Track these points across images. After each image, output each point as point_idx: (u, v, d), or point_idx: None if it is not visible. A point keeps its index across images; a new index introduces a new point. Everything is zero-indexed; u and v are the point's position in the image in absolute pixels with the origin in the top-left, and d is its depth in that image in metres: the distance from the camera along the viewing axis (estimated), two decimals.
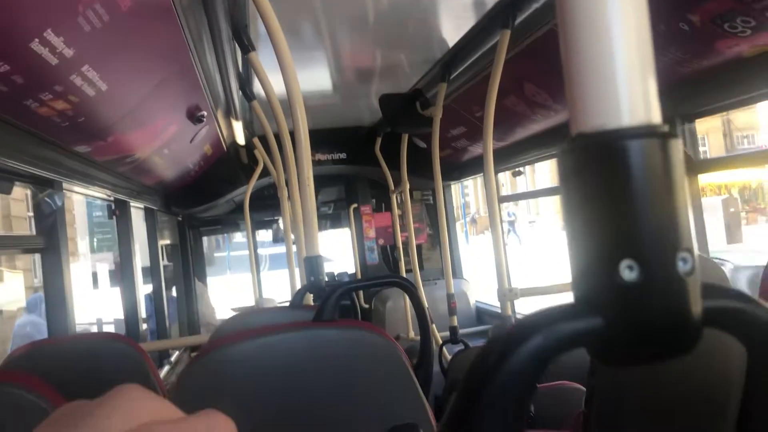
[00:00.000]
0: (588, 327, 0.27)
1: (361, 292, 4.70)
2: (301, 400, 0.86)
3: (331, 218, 6.38)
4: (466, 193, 24.51)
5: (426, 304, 1.16)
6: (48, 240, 2.15)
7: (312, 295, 1.58)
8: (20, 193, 9.56)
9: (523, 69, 2.71)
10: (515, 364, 0.25)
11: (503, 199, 4.94)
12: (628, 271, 0.26)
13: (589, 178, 0.27)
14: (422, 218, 5.20)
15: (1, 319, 8.43)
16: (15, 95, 1.47)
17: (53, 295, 2.12)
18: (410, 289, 1.08)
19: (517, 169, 4.01)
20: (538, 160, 3.77)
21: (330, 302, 0.96)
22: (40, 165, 1.90)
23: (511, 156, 3.64)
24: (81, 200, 10.38)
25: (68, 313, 2.11)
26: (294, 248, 2.92)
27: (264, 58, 2.09)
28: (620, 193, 0.26)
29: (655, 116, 0.27)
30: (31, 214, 9.40)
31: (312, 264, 1.52)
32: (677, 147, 0.27)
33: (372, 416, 0.88)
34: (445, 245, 3.28)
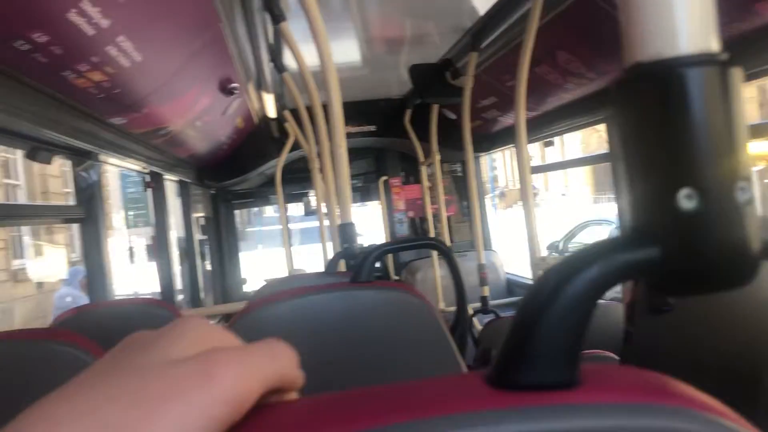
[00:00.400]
0: (645, 257, 0.27)
1: (391, 264, 4.72)
2: (338, 360, 0.87)
3: (360, 191, 6.39)
4: (494, 167, 24.33)
5: (461, 274, 1.17)
6: (87, 210, 2.20)
7: (345, 261, 1.60)
8: (57, 170, 9.76)
9: (556, 36, 2.66)
10: (573, 292, 0.26)
11: (535, 170, 4.90)
12: (686, 200, 0.26)
13: (646, 108, 0.27)
14: (451, 190, 5.19)
15: (42, 291, 8.69)
16: (54, 66, 1.50)
17: (93, 262, 2.17)
18: (444, 251, 1.09)
19: (547, 140, 3.97)
20: (570, 130, 3.72)
21: (367, 263, 0.97)
22: (78, 136, 1.93)
23: (542, 126, 3.60)
24: (115, 176, 10.56)
25: (107, 279, 2.16)
26: (326, 221, 2.94)
27: (294, 29, 2.08)
28: (679, 122, 0.26)
29: (714, 44, 0.27)
30: (67, 190, 9.61)
31: (346, 231, 1.54)
32: (737, 75, 0.27)
33: (408, 377, 0.89)
34: (475, 215, 3.27)
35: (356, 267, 0.98)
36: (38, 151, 1.81)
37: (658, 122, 0.27)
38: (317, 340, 0.85)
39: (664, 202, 0.26)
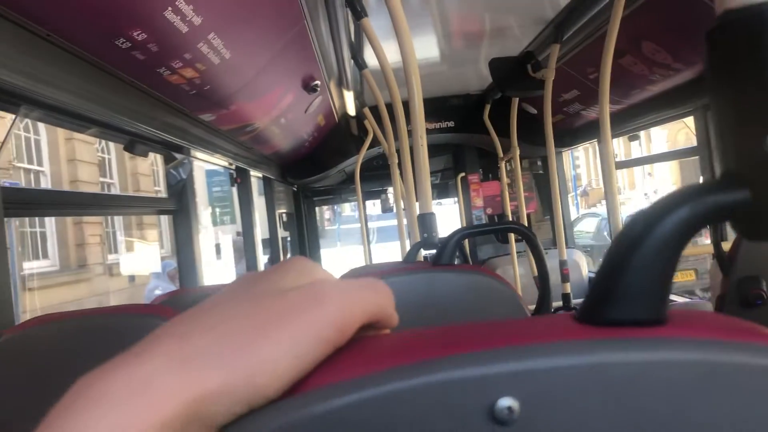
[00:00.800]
0: (734, 200, 0.27)
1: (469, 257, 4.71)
2: None
3: (438, 188, 6.39)
4: (577, 165, 23.71)
5: (544, 253, 1.15)
6: (178, 203, 2.31)
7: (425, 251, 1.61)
8: (148, 168, 10.24)
9: (641, 26, 2.58)
10: (663, 232, 0.26)
11: (619, 165, 4.75)
12: None
13: (736, 54, 0.27)
14: (531, 187, 5.11)
15: (133, 285, 9.17)
16: (150, 63, 1.58)
17: (184, 252, 2.29)
18: (527, 234, 1.08)
19: (633, 134, 3.85)
20: (656, 123, 3.59)
21: (449, 246, 0.98)
22: (170, 132, 2.03)
23: (627, 120, 3.50)
24: (201, 175, 10.97)
25: (197, 268, 2.26)
26: (404, 219, 2.96)
27: (375, 25, 2.11)
28: None
29: None
30: (158, 188, 10.07)
31: (425, 221, 1.55)
32: None
33: None
34: (557, 211, 3.21)
35: (437, 251, 0.99)
36: (135, 144, 1.91)
37: (748, 67, 0.27)
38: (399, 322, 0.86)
39: (754, 145, 0.27)
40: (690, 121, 3.14)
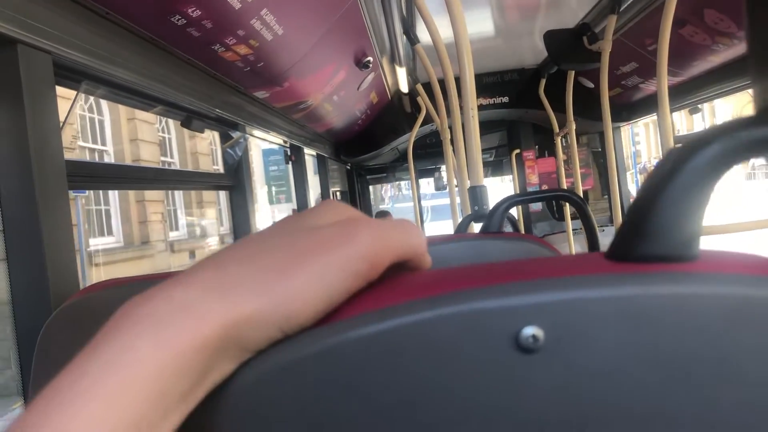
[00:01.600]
0: None
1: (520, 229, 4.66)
2: None
3: (492, 165, 6.32)
4: (637, 141, 23.02)
5: (596, 224, 1.13)
6: (234, 179, 2.37)
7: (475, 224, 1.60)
8: (206, 148, 10.46)
9: None
10: (695, 167, 0.26)
11: (679, 141, 4.60)
12: None
13: None
14: (588, 164, 5.00)
15: (194, 261, 9.46)
16: (205, 40, 1.62)
17: (240, 227, 2.35)
18: (577, 201, 1.06)
19: (694, 107, 3.71)
20: (718, 95, 3.45)
21: (497, 214, 0.98)
22: (226, 109, 2.08)
23: (687, 92, 3.37)
24: (258, 154, 11.17)
25: None
26: (456, 198, 2.95)
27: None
28: None
29: None
30: (216, 167, 10.29)
31: (476, 193, 1.54)
32: None
33: None
34: (614, 189, 3.14)
35: (487, 218, 0.99)
36: (192, 120, 1.96)
37: None
38: None
39: None
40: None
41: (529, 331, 0.24)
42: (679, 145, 0.27)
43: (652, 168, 0.28)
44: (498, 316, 0.24)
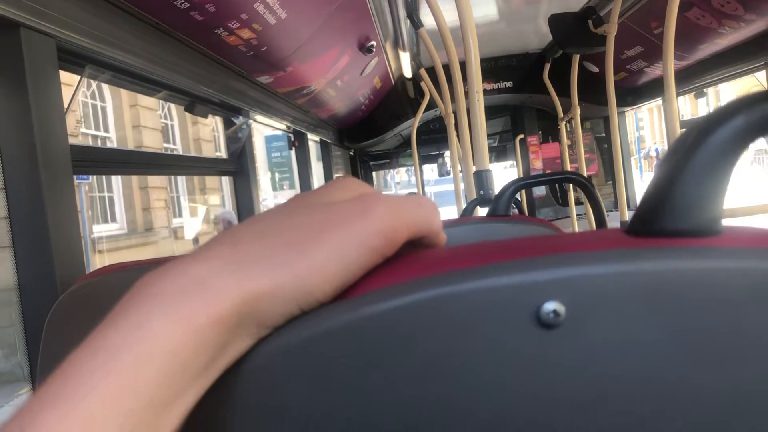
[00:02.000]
0: None
1: (526, 212, 4.66)
2: None
3: (496, 150, 6.30)
4: (641, 126, 22.94)
5: (603, 206, 1.13)
6: (238, 164, 2.37)
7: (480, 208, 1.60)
8: (209, 134, 10.45)
9: None
10: (717, 141, 0.25)
11: (685, 125, 4.58)
12: None
13: None
14: (593, 149, 4.98)
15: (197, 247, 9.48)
16: (208, 24, 1.61)
17: (244, 210, 2.35)
18: (584, 183, 1.06)
19: (699, 91, 3.69)
20: (725, 79, 3.43)
21: (503, 197, 0.97)
22: (229, 93, 2.07)
23: (693, 76, 3.36)
24: (260, 140, 11.15)
25: None
26: (461, 181, 2.94)
27: None
28: None
29: None
30: (219, 154, 10.29)
31: (481, 177, 1.54)
32: None
33: None
34: (619, 174, 3.13)
35: (494, 201, 0.98)
36: (195, 104, 1.96)
37: None
38: None
39: None
40: (762, 75, 2.99)
41: (550, 306, 0.24)
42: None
43: (671, 144, 0.27)
44: (518, 291, 0.24)
